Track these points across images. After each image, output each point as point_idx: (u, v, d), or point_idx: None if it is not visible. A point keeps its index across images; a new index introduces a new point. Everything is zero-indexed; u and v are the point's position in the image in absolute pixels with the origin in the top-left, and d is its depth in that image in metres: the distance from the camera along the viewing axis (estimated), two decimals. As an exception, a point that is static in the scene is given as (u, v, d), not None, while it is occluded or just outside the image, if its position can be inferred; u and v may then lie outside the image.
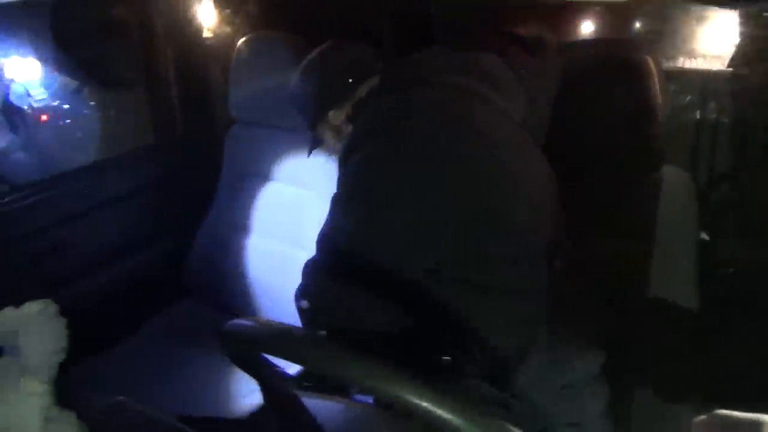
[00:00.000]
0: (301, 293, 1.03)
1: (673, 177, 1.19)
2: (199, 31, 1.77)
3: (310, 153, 1.43)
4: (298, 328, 0.65)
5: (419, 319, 0.94)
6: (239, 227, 1.75)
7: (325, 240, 1.02)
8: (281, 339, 0.60)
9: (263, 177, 1.71)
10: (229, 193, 1.77)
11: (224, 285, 1.74)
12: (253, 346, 0.65)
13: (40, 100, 1.65)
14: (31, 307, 0.71)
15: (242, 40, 1.63)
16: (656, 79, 1.15)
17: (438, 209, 0.96)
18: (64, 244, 1.52)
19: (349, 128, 1.18)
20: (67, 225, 1.55)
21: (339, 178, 1.09)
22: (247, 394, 1.44)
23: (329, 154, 1.49)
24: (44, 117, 1.69)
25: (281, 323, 0.65)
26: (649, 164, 1.19)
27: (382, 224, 0.97)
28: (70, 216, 1.56)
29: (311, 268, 1.04)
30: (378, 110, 1.09)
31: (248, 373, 0.75)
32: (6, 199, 1.47)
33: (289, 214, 1.66)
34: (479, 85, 1.08)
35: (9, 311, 0.70)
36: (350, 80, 1.18)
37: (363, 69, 1.19)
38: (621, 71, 1.17)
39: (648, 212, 1.19)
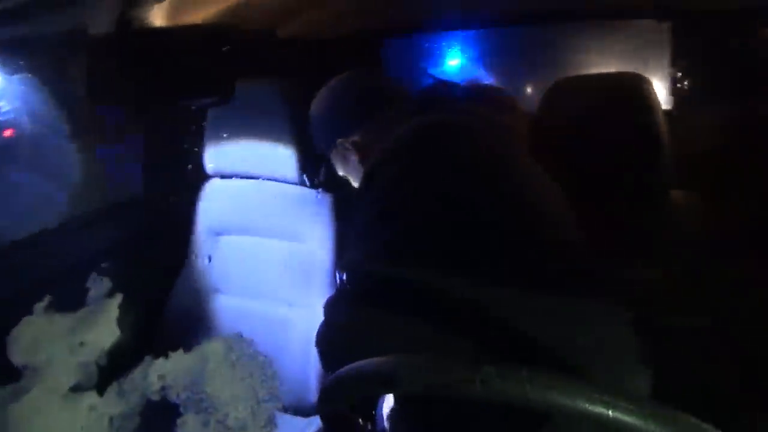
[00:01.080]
0: (329, 330, 0.98)
1: (682, 199, 1.25)
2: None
3: (318, 182, 1.48)
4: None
5: (465, 336, 0.89)
6: (217, 289, 1.61)
7: (353, 269, 0.98)
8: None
9: (245, 232, 1.61)
10: (205, 252, 1.64)
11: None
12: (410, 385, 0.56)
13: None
14: (212, 347, 0.56)
15: (220, 90, 1.56)
16: (658, 108, 1.22)
17: (467, 221, 0.96)
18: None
19: (355, 157, 1.22)
20: (28, 295, 1.34)
21: (363, 204, 1.05)
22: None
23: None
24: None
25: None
26: (659, 188, 1.24)
27: (421, 238, 0.95)
28: (30, 286, 1.35)
29: (338, 302, 0.99)
30: (399, 135, 1.10)
31: None
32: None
33: (278, 271, 1.57)
34: (489, 110, 1.17)
35: (177, 357, 0.55)
36: (361, 109, 1.22)
37: (375, 98, 1.23)
38: (626, 102, 1.23)
39: (662, 235, 1.22)
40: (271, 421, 0.56)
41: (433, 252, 0.93)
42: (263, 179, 1.60)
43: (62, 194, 1.42)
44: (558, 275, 0.95)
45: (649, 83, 1.27)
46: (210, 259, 1.62)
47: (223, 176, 1.64)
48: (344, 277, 0.99)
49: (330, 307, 0.99)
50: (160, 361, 0.60)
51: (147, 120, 1.60)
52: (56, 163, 1.36)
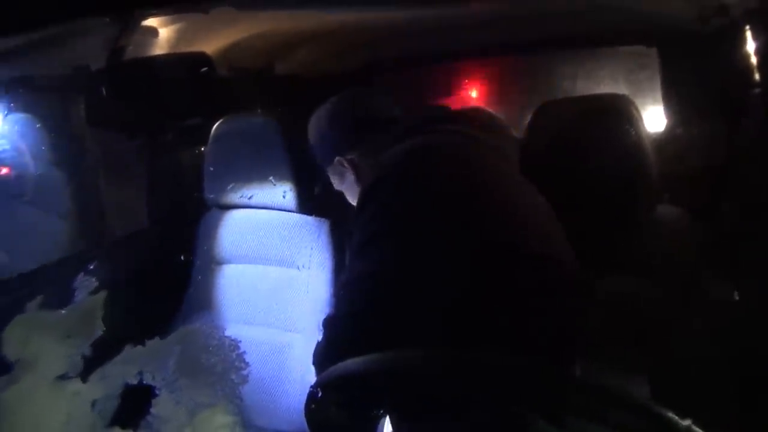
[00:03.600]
0: (328, 347, 0.99)
1: (670, 215, 1.27)
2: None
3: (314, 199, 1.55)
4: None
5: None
6: (219, 317, 1.63)
7: (351, 289, 1.01)
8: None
9: (245, 261, 1.65)
10: (207, 283, 1.67)
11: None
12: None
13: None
14: (183, 334, 0.60)
15: (218, 122, 1.62)
16: (642, 127, 1.24)
17: (459, 238, 0.98)
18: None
19: (351, 175, 1.28)
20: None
21: (359, 224, 1.08)
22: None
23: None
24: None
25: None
26: (645, 205, 1.25)
27: (413, 258, 0.97)
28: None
29: (337, 320, 1.00)
30: (391, 158, 1.13)
31: None
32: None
33: (277, 298, 1.60)
34: (479, 131, 1.19)
35: (153, 344, 0.60)
36: (359, 128, 1.27)
37: (372, 118, 1.28)
38: (609, 122, 1.26)
39: (649, 251, 1.23)
40: (238, 397, 0.61)
41: (425, 270, 0.96)
42: (261, 208, 1.65)
43: (65, 229, 1.46)
44: (544, 287, 0.97)
45: (633, 103, 1.30)
46: (210, 288, 1.65)
47: (222, 206, 1.68)
48: (343, 296, 1.01)
49: (329, 324, 1.01)
50: (138, 348, 0.65)
51: (148, 153, 1.65)
52: (58, 199, 1.40)
